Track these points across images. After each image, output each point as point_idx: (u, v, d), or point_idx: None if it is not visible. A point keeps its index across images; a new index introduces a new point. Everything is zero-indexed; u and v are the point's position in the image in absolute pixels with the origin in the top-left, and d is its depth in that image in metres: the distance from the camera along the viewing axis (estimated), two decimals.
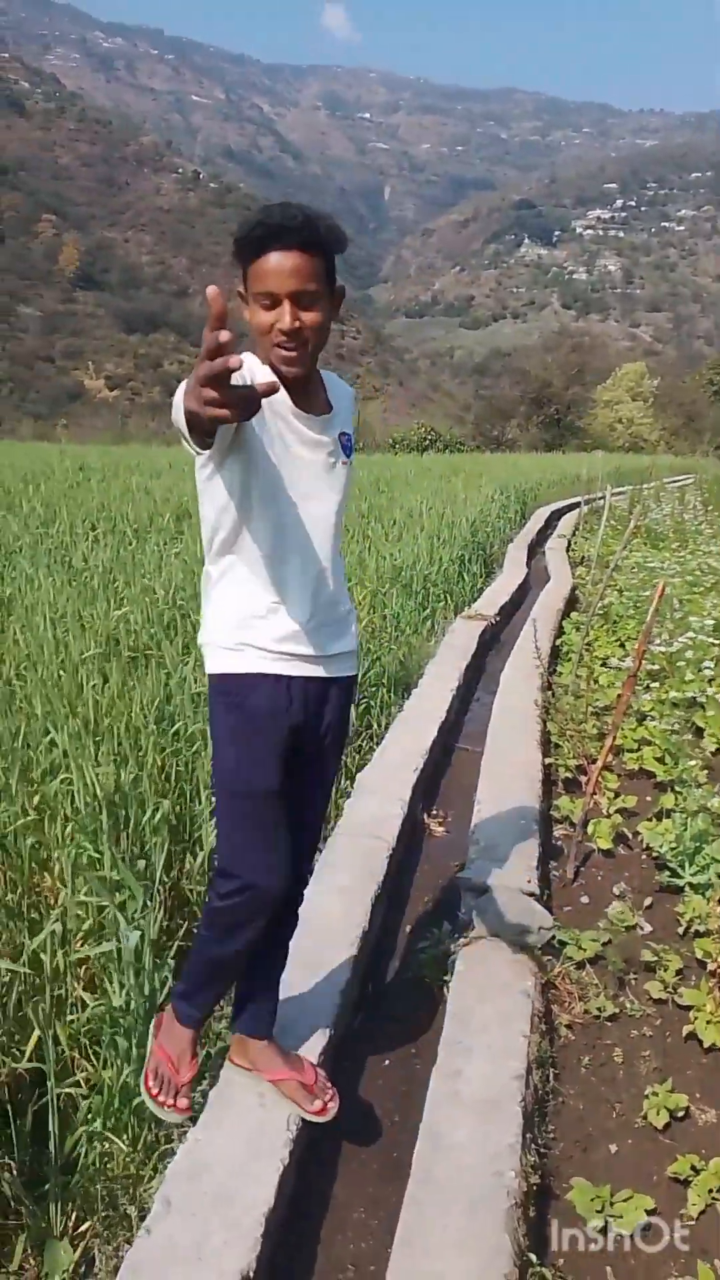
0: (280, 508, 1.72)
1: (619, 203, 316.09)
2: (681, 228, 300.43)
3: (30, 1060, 2.21)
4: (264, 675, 1.76)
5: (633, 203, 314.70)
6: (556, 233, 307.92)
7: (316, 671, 1.82)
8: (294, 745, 1.82)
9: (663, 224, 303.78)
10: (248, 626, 1.76)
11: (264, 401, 1.57)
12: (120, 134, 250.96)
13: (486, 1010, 2.37)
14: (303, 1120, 1.94)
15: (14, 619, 4.51)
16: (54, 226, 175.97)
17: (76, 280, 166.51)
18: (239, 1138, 1.88)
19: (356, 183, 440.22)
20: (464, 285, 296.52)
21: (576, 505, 15.41)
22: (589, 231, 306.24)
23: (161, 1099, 1.94)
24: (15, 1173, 2.07)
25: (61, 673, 3.74)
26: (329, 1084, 2.03)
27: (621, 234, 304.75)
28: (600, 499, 14.74)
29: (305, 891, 2.09)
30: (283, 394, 1.69)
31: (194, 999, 1.99)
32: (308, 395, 1.74)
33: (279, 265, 1.56)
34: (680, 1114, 2.30)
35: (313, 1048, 2.19)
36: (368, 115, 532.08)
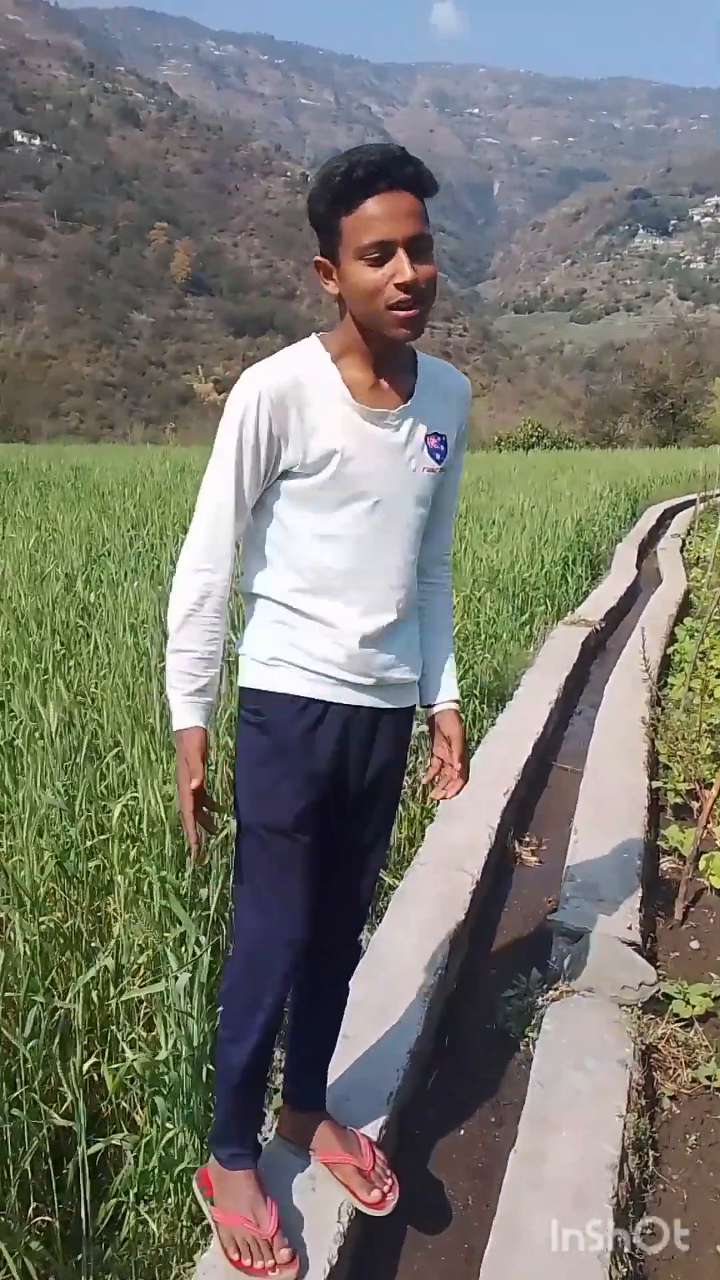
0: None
1: None
2: None
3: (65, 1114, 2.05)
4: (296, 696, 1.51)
5: None
6: (673, 221, 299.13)
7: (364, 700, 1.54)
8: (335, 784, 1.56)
9: None
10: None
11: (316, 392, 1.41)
12: (230, 140, 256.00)
13: (577, 1080, 2.08)
14: (356, 1210, 1.70)
15: (96, 624, 4.41)
16: (166, 234, 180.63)
17: (187, 286, 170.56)
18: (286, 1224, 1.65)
19: (464, 179, 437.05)
20: (575, 278, 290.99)
21: (692, 503, 14.73)
22: (707, 219, 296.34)
23: (259, 1267, 1.55)
24: (51, 1228, 1.91)
25: (136, 682, 3.59)
26: (389, 1171, 1.77)
27: None
28: (717, 497, 14.05)
29: (378, 928, 1.85)
30: (338, 384, 1.42)
31: (232, 1134, 1.68)
32: (394, 374, 1.45)
33: (393, 207, 1.29)
34: None
35: (375, 1114, 1.94)
36: (476, 110, 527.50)
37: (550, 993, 2.45)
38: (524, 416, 46.88)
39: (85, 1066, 1.98)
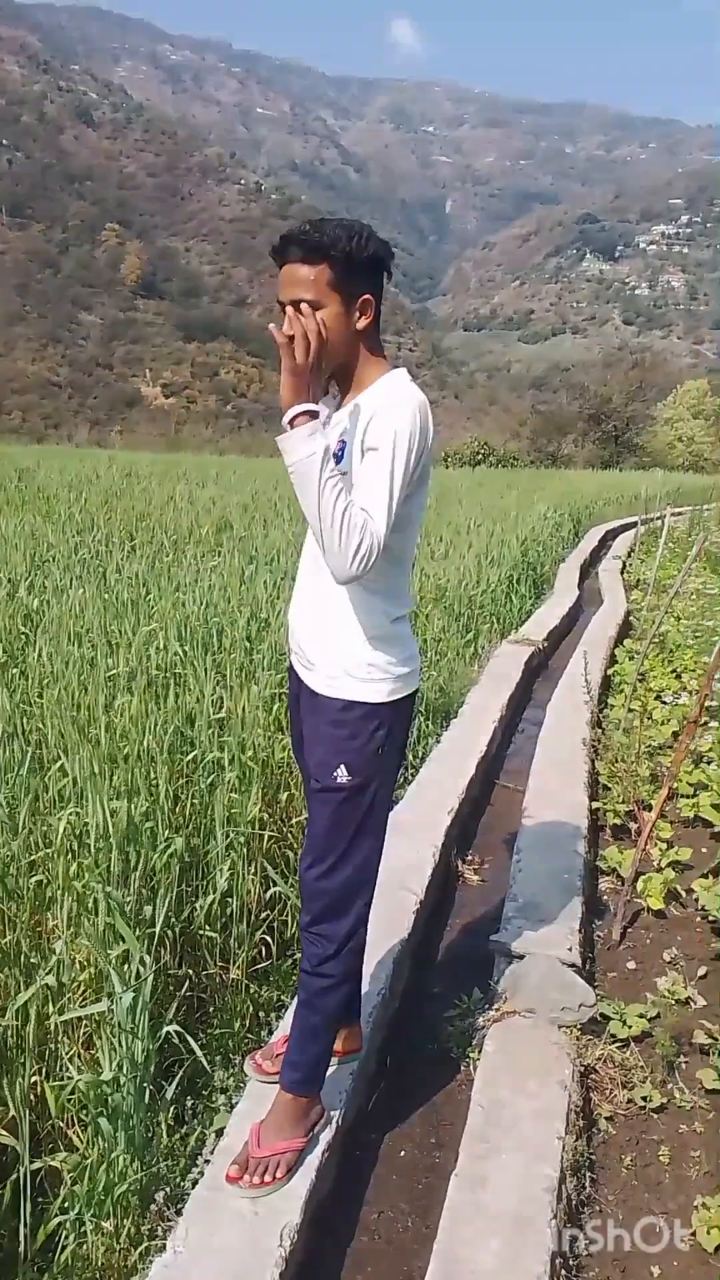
0: None
1: (684, 218, 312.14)
2: None
3: (8, 1128, 2.01)
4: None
5: (699, 219, 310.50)
6: (620, 248, 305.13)
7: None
8: None
9: None
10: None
11: None
12: (185, 145, 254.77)
13: (518, 1102, 2.11)
14: (296, 1235, 1.70)
15: (41, 632, 4.34)
16: (118, 235, 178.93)
17: (138, 288, 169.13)
18: (223, 1255, 1.64)
19: (418, 195, 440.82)
20: (524, 299, 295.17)
21: (633, 525, 15.02)
22: (653, 247, 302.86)
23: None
24: None
25: (81, 693, 3.54)
26: (265, 1174, 1.83)
27: (686, 250, 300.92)
28: (658, 519, 14.34)
29: None
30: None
31: (323, 1070, 1.98)
32: (345, 389, 1.80)
33: (283, 276, 1.66)
34: None
35: (315, 1139, 1.95)
36: (432, 128, 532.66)
37: (491, 1013, 2.47)
38: (471, 433, 47.33)
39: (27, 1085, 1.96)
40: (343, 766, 1.79)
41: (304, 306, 1.64)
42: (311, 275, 1.63)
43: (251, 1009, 2.64)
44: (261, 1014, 2.62)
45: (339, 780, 1.80)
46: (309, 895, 1.86)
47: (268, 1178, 1.81)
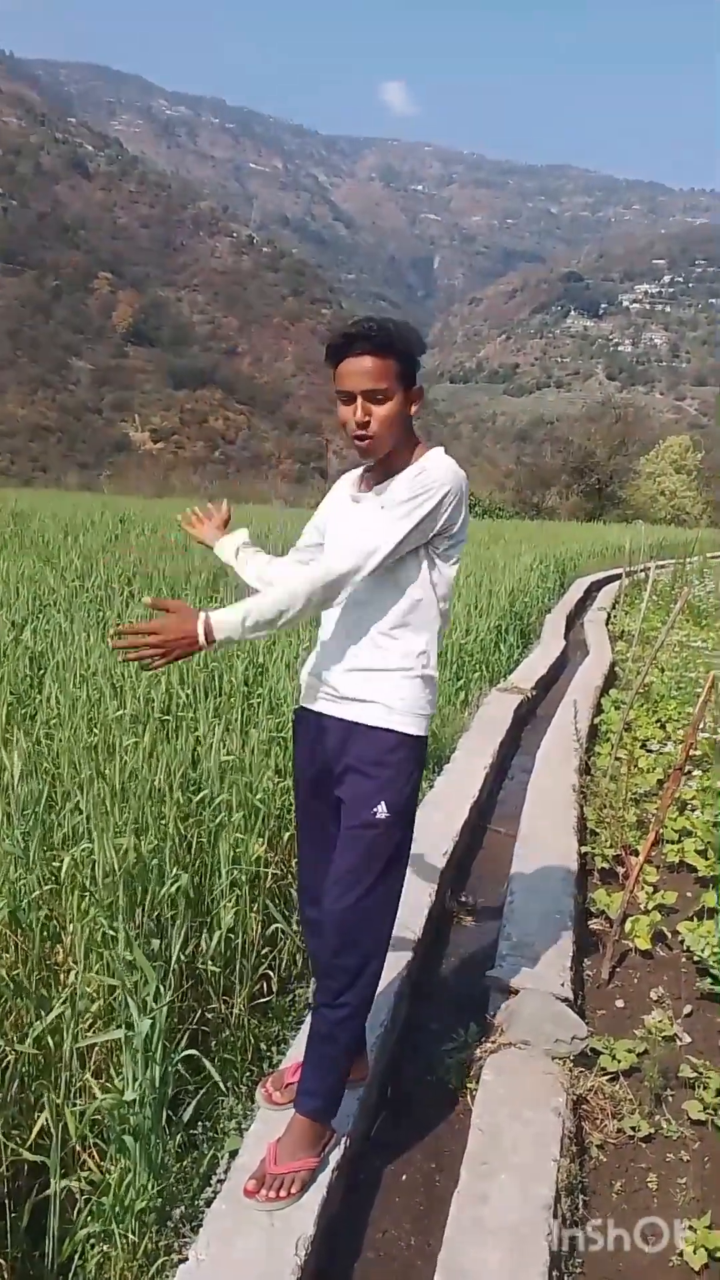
0: None
1: (667, 278, 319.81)
2: None
3: (32, 1150, 2.11)
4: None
5: (681, 279, 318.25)
6: (603, 305, 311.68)
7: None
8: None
9: (710, 300, 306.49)
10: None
11: (336, 494, 2.16)
12: (179, 198, 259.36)
13: (515, 1128, 2.22)
14: (310, 1246, 1.81)
15: (48, 675, 4.47)
16: (110, 284, 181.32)
17: (129, 336, 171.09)
18: (242, 1264, 1.74)
19: (407, 252, 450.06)
20: (509, 353, 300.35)
21: (617, 577, 15.30)
22: (636, 305, 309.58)
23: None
24: (5, 1273, 1.96)
25: (91, 734, 3.67)
26: (283, 1189, 1.95)
27: (669, 309, 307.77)
28: (641, 572, 14.63)
29: None
30: (346, 487, 2.13)
31: (340, 1096, 2.09)
32: (379, 473, 2.01)
33: (354, 367, 1.85)
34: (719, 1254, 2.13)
35: (326, 1159, 2.05)
36: (421, 187, 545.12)
37: (488, 1045, 2.59)
38: None
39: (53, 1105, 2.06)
40: (383, 803, 1.95)
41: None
42: (383, 368, 1.84)
43: (253, 1042, 2.74)
44: (263, 1046, 2.72)
45: (378, 816, 1.95)
46: (334, 928, 1.97)
47: (284, 1192, 1.92)
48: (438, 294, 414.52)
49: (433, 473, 1.91)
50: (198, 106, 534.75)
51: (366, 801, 1.96)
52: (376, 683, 1.99)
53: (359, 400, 1.86)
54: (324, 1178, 1.98)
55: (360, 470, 2.09)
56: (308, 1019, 2.53)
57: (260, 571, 2.25)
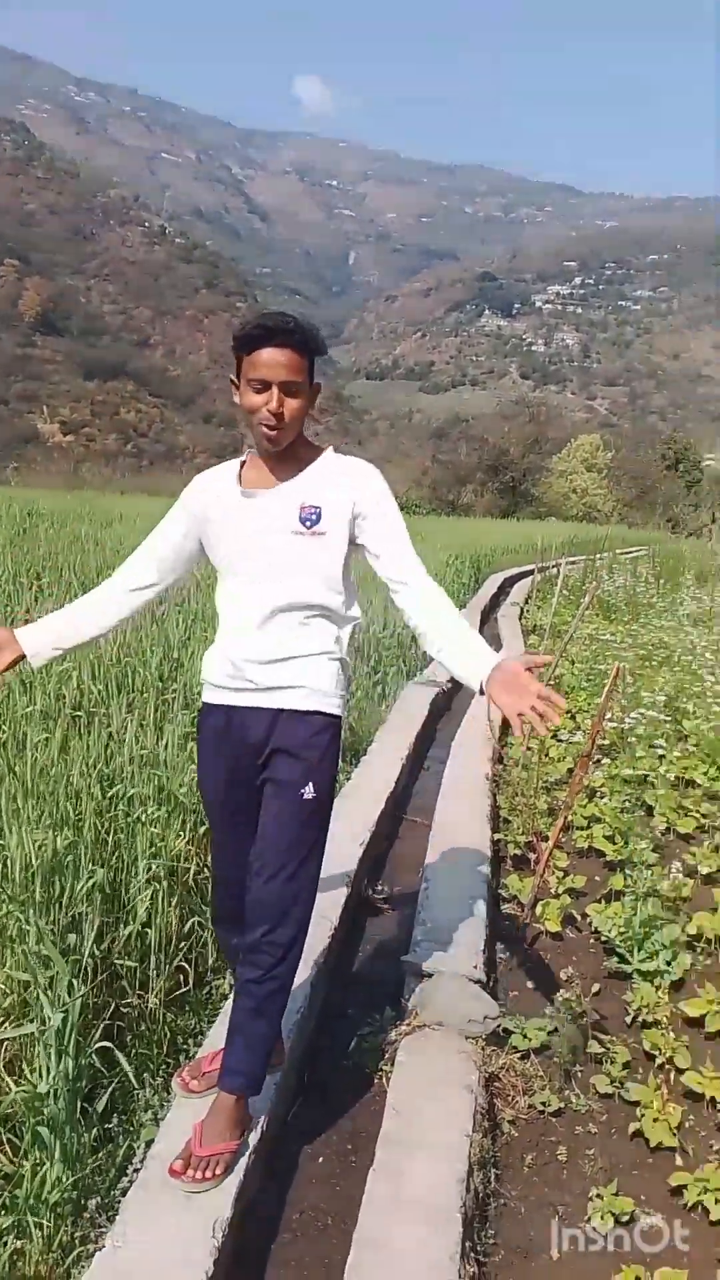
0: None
1: (578, 280, 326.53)
2: (638, 307, 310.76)
3: None
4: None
5: (591, 281, 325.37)
6: (517, 305, 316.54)
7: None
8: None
9: (620, 303, 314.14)
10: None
11: (213, 493, 2.12)
12: (89, 186, 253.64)
13: (428, 1106, 2.28)
14: (227, 1228, 1.83)
15: None
16: (17, 271, 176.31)
17: (37, 325, 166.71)
18: (159, 1247, 1.76)
19: (323, 247, 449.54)
20: (425, 351, 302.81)
21: (530, 573, 15.60)
22: (548, 306, 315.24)
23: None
24: None
25: (0, 730, 3.61)
26: (210, 1169, 1.97)
27: (580, 310, 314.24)
28: (553, 567, 14.95)
29: None
30: (233, 481, 2.10)
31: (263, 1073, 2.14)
32: (279, 468, 2.07)
33: (272, 358, 1.91)
34: (625, 1218, 2.22)
35: (247, 1139, 2.08)
36: (336, 183, 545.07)
37: (403, 1028, 2.64)
38: None
39: None
40: (311, 785, 2.04)
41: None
42: (300, 363, 1.94)
43: (169, 1035, 2.74)
44: (179, 1039, 2.72)
45: (307, 797, 2.03)
46: (263, 907, 2.02)
47: (209, 1173, 1.95)
48: (353, 290, 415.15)
49: (381, 483, 2.12)
50: (109, 94, 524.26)
51: (297, 784, 2.03)
52: (300, 668, 2.05)
53: (274, 390, 1.92)
54: (241, 1161, 2.00)
55: (236, 468, 2.13)
56: (227, 1004, 2.55)
57: (70, 617, 2.20)
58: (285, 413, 1.94)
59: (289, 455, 2.06)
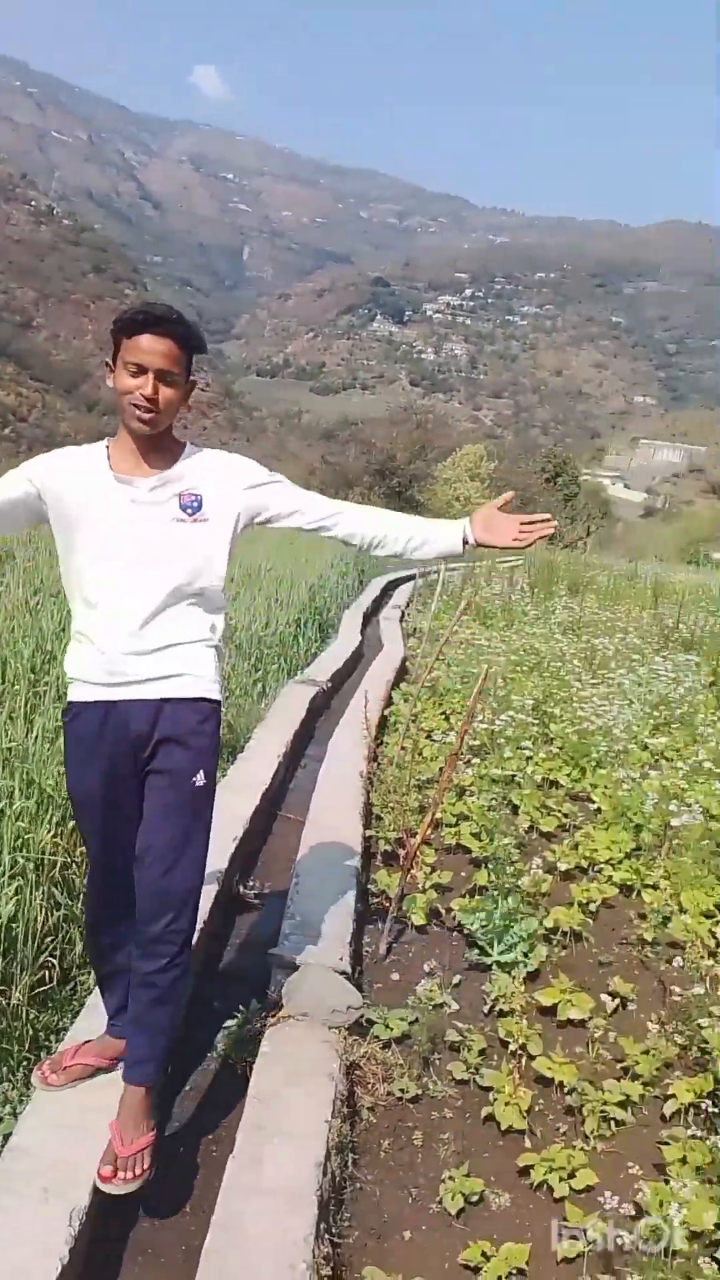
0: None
1: (468, 292, 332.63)
2: (525, 323, 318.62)
3: None
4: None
5: (481, 294, 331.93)
6: (408, 313, 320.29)
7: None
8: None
9: (507, 317, 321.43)
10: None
11: (76, 473, 2.07)
12: None
13: (289, 1093, 2.33)
14: (84, 1217, 1.84)
15: None
16: None
17: None
18: (16, 1236, 1.75)
19: (216, 239, 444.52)
20: (317, 351, 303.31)
21: (412, 578, 15.84)
22: (439, 315, 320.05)
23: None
24: None
25: None
26: (141, 1165, 2.01)
27: (469, 321, 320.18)
28: (435, 573, 15.21)
29: None
30: (102, 465, 2.07)
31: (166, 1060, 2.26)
32: (151, 457, 2.07)
33: (152, 345, 1.94)
34: (475, 1198, 2.32)
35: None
36: (232, 176, 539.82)
37: (269, 1019, 2.68)
38: None
39: None
40: (201, 772, 2.08)
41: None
42: (179, 355, 1.98)
43: (32, 1032, 2.71)
44: (42, 1036, 2.70)
45: (198, 784, 2.08)
46: (164, 897, 2.04)
47: (138, 1170, 1.99)
48: (246, 285, 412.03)
49: (248, 460, 2.18)
50: None
51: (187, 772, 2.06)
52: (182, 655, 2.08)
53: (150, 375, 1.94)
54: (89, 1167, 2.00)
55: (103, 452, 2.10)
56: (91, 1000, 2.54)
57: None
58: (160, 399, 1.96)
59: (161, 445, 2.08)
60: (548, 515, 2.18)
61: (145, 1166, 2.00)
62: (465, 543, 2.19)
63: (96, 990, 2.49)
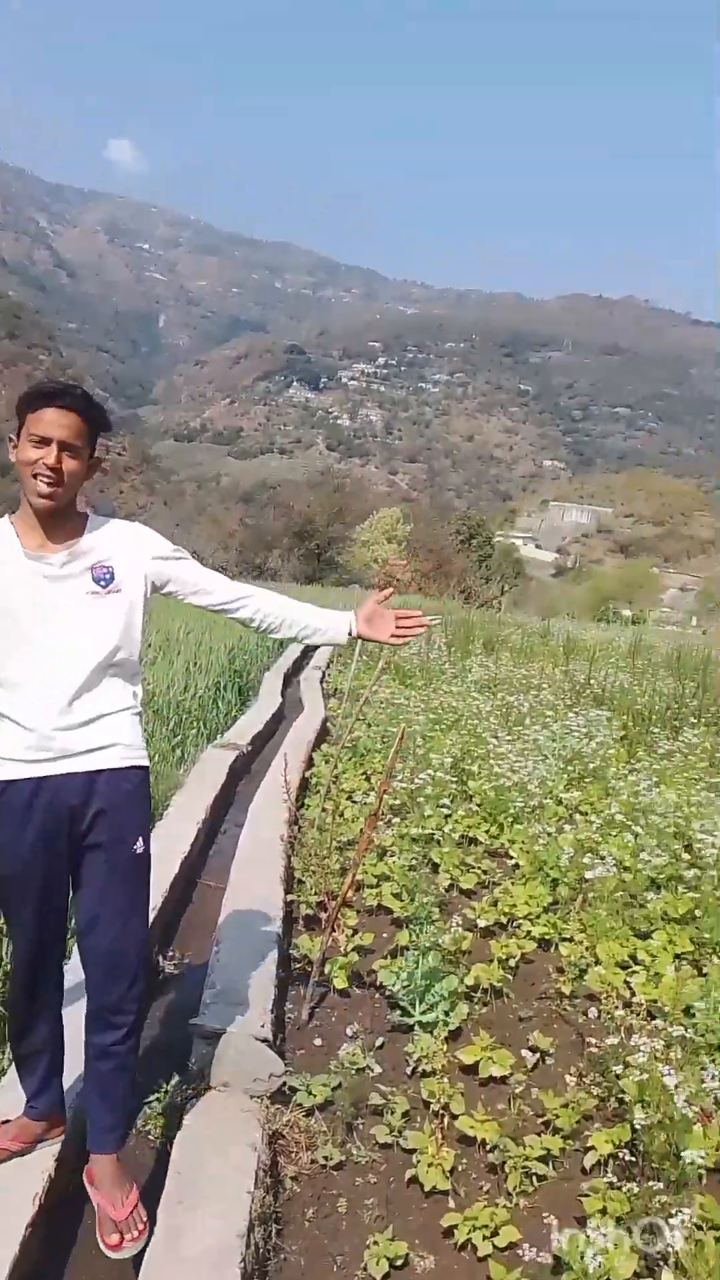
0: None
1: (381, 360, 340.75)
2: (436, 390, 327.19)
3: None
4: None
5: (394, 362, 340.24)
6: (324, 380, 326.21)
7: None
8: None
9: (420, 384, 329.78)
10: None
11: None
12: None
13: (211, 1166, 2.30)
14: None
15: None
16: None
17: None
18: None
19: (132, 306, 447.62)
20: (234, 416, 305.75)
21: None
22: (354, 382, 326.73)
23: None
24: None
25: None
26: (139, 1227, 2.09)
27: (383, 388, 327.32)
28: None
29: None
30: (11, 543, 2.07)
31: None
32: (56, 531, 2.09)
33: (55, 418, 1.99)
34: (400, 1262, 2.32)
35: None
36: (147, 246, 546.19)
37: (189, 1091, 2.65)
38: (180, 541, 47.82)
39: None
40: (140, 838, 2.13)
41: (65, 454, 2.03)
42: (84, 429, 2.04)
43: None
44: None
45: (138, 850, 2.12)
46: (122, 963, 2.08)
47: (140, 1227, 2.08)
48: (162, 352, 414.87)
49: (153, 531, 2.25)
50: None
51: (127, 839, 2.10)
52: (111, 726, 2.11)
53: (54, 446, 1.99)
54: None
55: (9, 529, 2.10)
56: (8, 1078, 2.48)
57: None
58: (64, 470, 2.01)
59: (65, 517, 2.11)
60: (419, 611, 2.36)
61: (144, 1220, 2.08)
62: (350, 634, 2.33)
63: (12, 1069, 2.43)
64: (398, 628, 2.30)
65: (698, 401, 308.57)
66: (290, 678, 11.81)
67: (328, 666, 12.90)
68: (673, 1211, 2.09)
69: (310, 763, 6.74)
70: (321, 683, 11.41)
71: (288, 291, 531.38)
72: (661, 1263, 2.11)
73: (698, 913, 3.98)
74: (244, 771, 6.78)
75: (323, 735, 7.98)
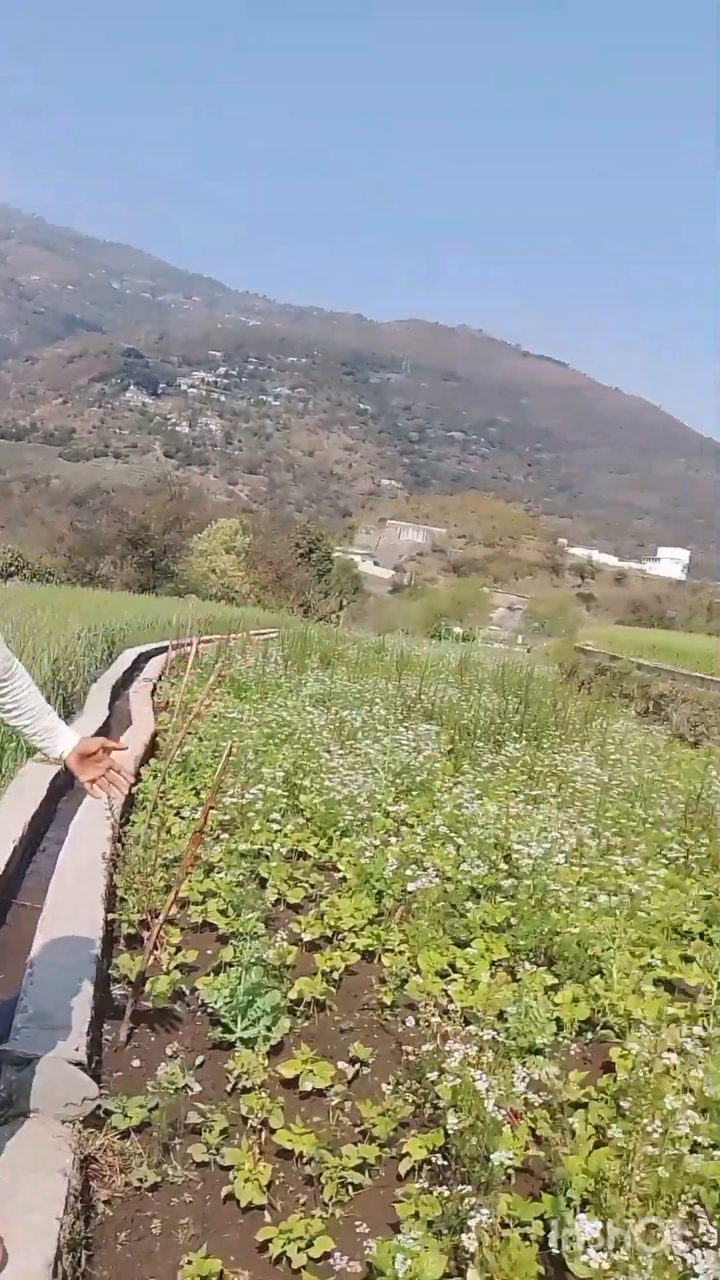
0: None
1: (223, 370, 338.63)
2: (278, 403, 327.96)
3: None
4: None
5: (235, 373, 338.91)
6: (162, 386, 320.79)
7: None
8: None
9: (261, 396, 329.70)
10: None
11: None
12: None
13: (18, 1194, 2.23)
14: None
15: None
16: None
17: None
18: None
19: None
20: (67, 417, 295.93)
21: (165, 649, 15.69)
22: (194, 390, 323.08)
23: None
24: None
25: None
26: None
27: (223, 398, 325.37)
28: (188, 645, 15.16)
29: None
30: None
31: None
32: None
33: None
34: None
35: None
36: None
37: None
38: (4, 544, 45.91)
39: None
40: None
41: None
42: None
43: None
44: None
45: None
46: None
47: None
48: None
49: None
50: None
51: None
52: None
53: None
54: None
55: None
56: None
57: None
58: None
59: None
60: (129, 776, 2.45)
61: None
62: (60, 756, 2.41)
63: None
64: (95, 780, 2.45)
65: (527, 430, 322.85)
66: (119, 690, 11.53)
67: (159, 679, 12.68)
68: (471, 1214, 2.18)
69: (138, 778, 6.61)
70: (153, 695, 11.20)
71: (126, 293, 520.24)
72: (470, 1261, 2.19)
73: (513, 920, 4.16)
74: (67, 787, 6.56)
75: (152, 750, 7.84)
